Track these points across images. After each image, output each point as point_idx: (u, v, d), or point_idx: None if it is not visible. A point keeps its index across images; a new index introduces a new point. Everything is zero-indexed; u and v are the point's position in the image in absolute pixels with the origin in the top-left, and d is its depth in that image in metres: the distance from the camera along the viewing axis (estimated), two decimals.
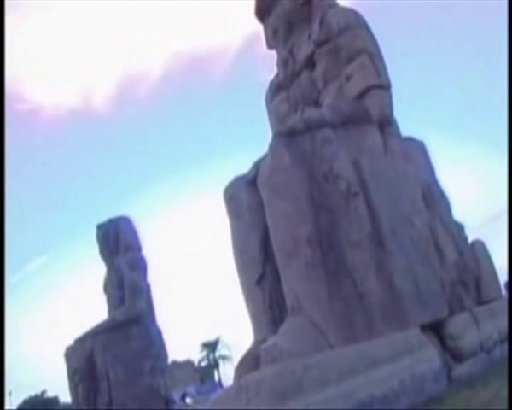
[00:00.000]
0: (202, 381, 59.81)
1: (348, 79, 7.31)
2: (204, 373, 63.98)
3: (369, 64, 7.27)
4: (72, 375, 12.63)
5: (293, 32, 8.24)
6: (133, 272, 13.51)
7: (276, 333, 5.68)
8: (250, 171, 6.65)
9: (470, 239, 7.86)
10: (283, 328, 5.66)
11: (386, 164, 6.71)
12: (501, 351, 6.67)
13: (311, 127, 6.34)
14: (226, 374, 59.17)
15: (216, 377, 63.41)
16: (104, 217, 14.58)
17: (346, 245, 5.78)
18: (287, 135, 6.28)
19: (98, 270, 14.45)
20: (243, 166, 6.85)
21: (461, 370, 6.05)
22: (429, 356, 5.78)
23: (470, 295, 7.02)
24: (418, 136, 8.05)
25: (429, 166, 7.84)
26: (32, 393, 55.50)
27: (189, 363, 61.67)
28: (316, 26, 7.76)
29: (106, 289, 14.00)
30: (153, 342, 13.39)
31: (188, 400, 39.50)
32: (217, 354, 65.02)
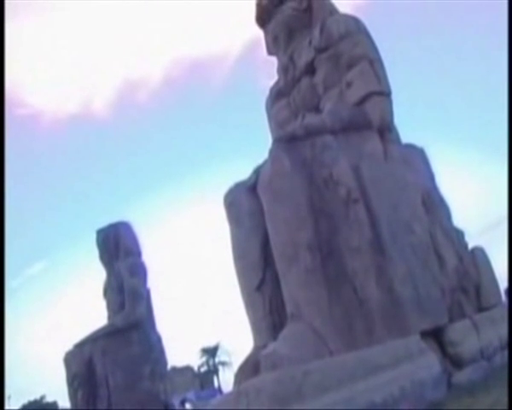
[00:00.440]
0: (202, 387, 59.63)
1: (348, 85, 7.33)
2: (204, 379, 63.76)
3: (370, 70, 7.30)
4: (72, 380, 12.58)
5: (293, 38, 8.27)
6: (133, 278, 13.49)
7: (276, 339, 5.67)
8: (250, 177, 6.66)
9: (470, 246, 7.86)
10: (283, 334, 5.65)
11: (387, 170, 6.72)
12: (501, 358, 6.66)
13: (311, 133, 6.35)
14: (226, 380, 59.03)
15: (215, 383, 63.22)
16: (104, 222, 14.57)
17: (346, 251, 5.79)
18: (287, 141, 6.30)
19: (98, 275, 14.45)
20: (243, 172, 6.87)
21: (461, 376, 6.04)
22: (429, 363, 5.77)
23: (470, 302, 7.02)
24: (418, 142, 8.07)
25: (429, 172, 7.85)
26: (32, 398, 55.31)
27: (188, 369, 61.45)
28: (316, 32, 7.79)
29: (106, 294, 13.97)
30: (152, 347, 13.35)
31: (187, 405, 39.43)
32: (216, 359, 64.82)
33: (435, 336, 6.29)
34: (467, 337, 6.40)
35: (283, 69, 8.39)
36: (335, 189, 5.99)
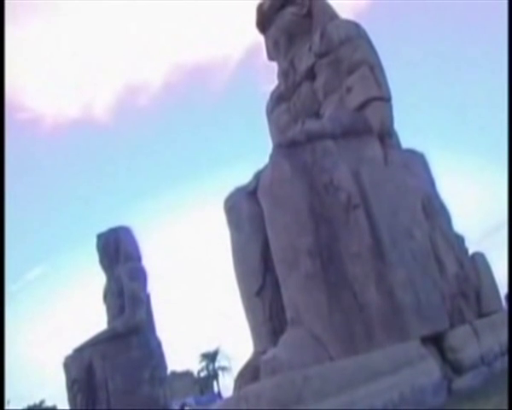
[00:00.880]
0: (202, 392, 59.55)
1: (349, 90, 7.35)
2: (203, 384, 63.70)
3: (370, 76, 7.31)
4: (71, 385, 12.56)
5: (293, 43, 8.29)
6: (133, 282, 13.48)
7: (276, 344, 5.67)
8: (250, 182, 6.66)
9: (471, 251, 7.85)
10: (283, 339, 5.64)
11: (387, 175, 6.72)
12: (502, 364, 6.64)
13: (311, 139, 6.36)
14: (225, 385, 59.02)
15: (215, 388, 63.15)
16: (104, 226, 14.59)
17: (346, 257, 5.78)
18: (287, 146, 6.30)
19: (98, 279, 14.45)
20: (244, 177, 6.88)
21: (461, 383, 6.03)
22: (429, 369, 5.76)
23: (471, 308, 7.00)
24: (418, 147, 8.07)
25: (429, 177, 7.85)
26: (31, 402, 55.21)
27: (188, 374, 61.38)
28: (316, 37, 7.81)
29: (105, 298, 13.96)
30: (152, 352, 13.33)
31: None
32: (216, 364, 64.79)
33: (435, 341, 6.28)
34: (467, 343, 6.40)
35: (284, 74, 8.40)
36: (336, 194, 5.99)
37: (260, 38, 9.00)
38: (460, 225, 7.90)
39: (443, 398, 5.65)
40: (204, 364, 65.18)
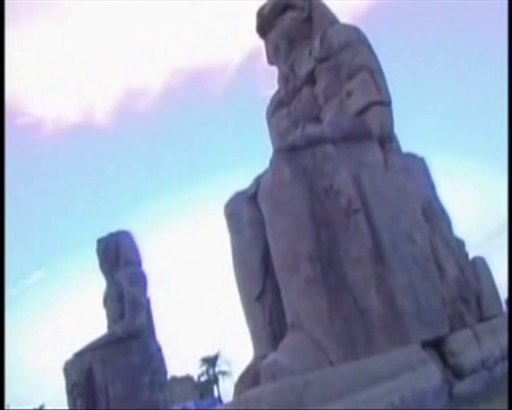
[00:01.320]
0: (202, 396, 59.37)
1: (349, 95, 7.36)
2: (203, 388, 63.53)
3: (370, 80, 7.32)
4: (71, 389, 12.57)
5: (294, 48, 8.30)
6: (133, 287, 13.49)
7: (276, 349, 5.66)
8: (251, 186, 6.66)
9: (471, 255, 7.85)
10: (283, 344, 5.64)
11: (387, 180, 6.72)
12: (502, 368, 6.63)
13: (311, 143, 6.36)
14: (226, 390, 58.87)
15: (215, 393, 63.01)
16: (104, 231, 14.61)
17: (346, 261, 5.78)
18: (287, 151, 6.30)
19: (98, 284, 14.45)
20: (244, 182, 6.88)
21: (462, 387, 6.02)
22: (430, 373, 5.75)
23: (471, 312, 7.00)
24: (418, 152, 8.08)
25: (430, 182, 7.86)
26: (31, 407, 55.06)
27: (188, 378, 61.20)
28: (317, 42, 7.83)
29: (105, 303, 13.98)
30: (152, 356, 13.34)
31: None
32: (216, 369, 64.66)
33: (436, 346, 6.27)
34: (468, 348, 6.39)
35: (284, 79, 8.42)
36: (336, 198, 5.99)
37: (260, 43, 9.03)
38: (460, 229, 7.92)
39: (443, 402, 5.63)
40: (204, 368, 65.06)
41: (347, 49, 7.51)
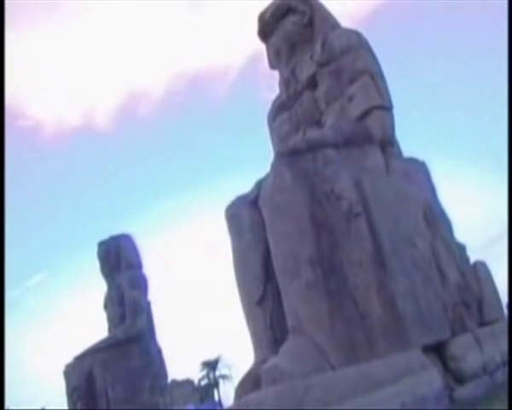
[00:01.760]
0: (202, 400, 59.24)
1: (350, 99, 7.37)
2: (204, 392, 63.34)
3: (371, 85, 7.33)
4: (72, 392, 12.54)
5: (295, 52, 8.31)
6: (134, 290, 13.49)
7: (277, 353, 5.65)
8: (252, 190, 6.67)
9: (472, 260, 7.84)
10: (284, 348, 5.63)
11: (388, 184, 6.72)
12: (503, 373, 6.61)
13: (313, 147, 6.37)
14: (226, 393, 58.72)
15: (216, 397, 62.86)
16: (105, 234, 14.61)
17: (347, 265, 5.78)
18: (289, 155, 6.31)
19: (98, 287, 14.45)
20: (245, 186, 6.88)
21: (463, 392, 6.00)
22: (431, 378, 5.74)
23: (472, 317, 6.99)
24: (419, 156, 8.08)
25: (431, 186, 7.85)
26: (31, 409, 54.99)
27: (188, 382, 61.01)
28: (318, 46, 7.84)
29: (106, 306, 13.97)
30: (152, 360, 13.33)
31: None
32: (217, 373, 64.45)
33: (437, 350, 6.25)
34: (469, 352, 6.37)
35: (285, 83, 8.42)
36: (337, 203, 5.99)
37: (261, 47, 9.05)
38: (461, 233, 7.91)
39: (444, 407, 5.62)
40: (205, 372, 64.86)
41: (348, 53, 7.52)
